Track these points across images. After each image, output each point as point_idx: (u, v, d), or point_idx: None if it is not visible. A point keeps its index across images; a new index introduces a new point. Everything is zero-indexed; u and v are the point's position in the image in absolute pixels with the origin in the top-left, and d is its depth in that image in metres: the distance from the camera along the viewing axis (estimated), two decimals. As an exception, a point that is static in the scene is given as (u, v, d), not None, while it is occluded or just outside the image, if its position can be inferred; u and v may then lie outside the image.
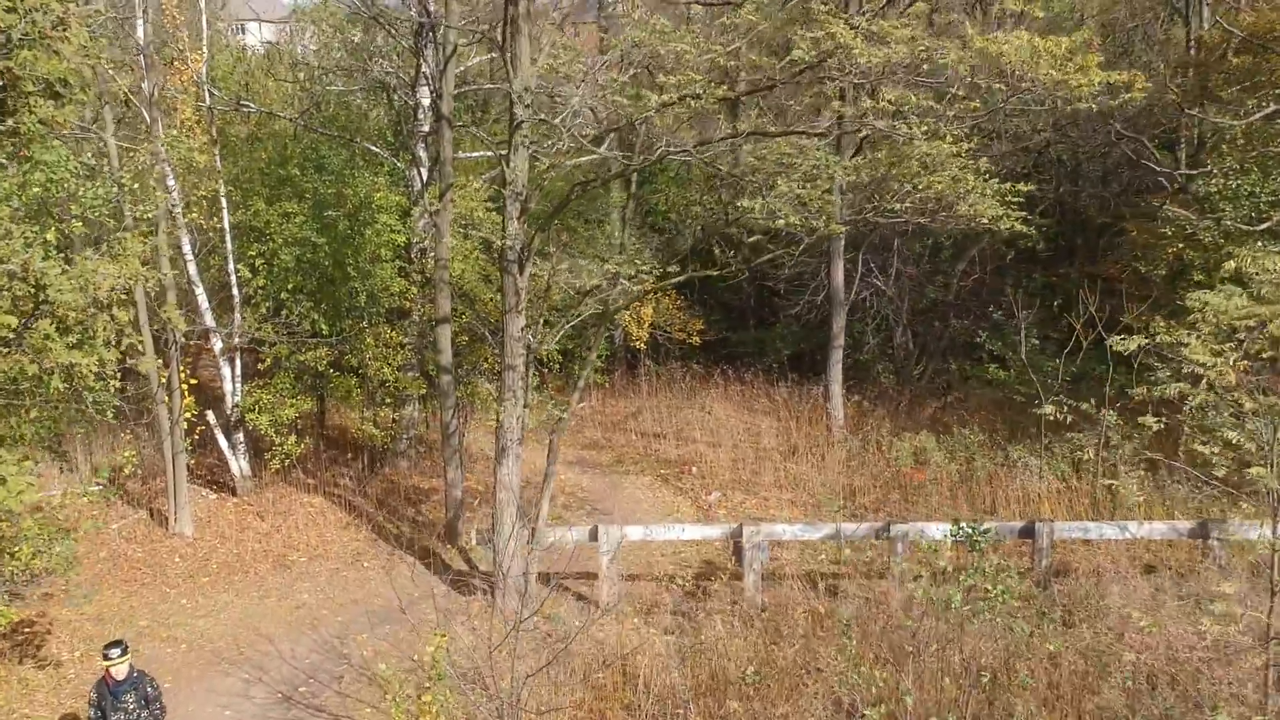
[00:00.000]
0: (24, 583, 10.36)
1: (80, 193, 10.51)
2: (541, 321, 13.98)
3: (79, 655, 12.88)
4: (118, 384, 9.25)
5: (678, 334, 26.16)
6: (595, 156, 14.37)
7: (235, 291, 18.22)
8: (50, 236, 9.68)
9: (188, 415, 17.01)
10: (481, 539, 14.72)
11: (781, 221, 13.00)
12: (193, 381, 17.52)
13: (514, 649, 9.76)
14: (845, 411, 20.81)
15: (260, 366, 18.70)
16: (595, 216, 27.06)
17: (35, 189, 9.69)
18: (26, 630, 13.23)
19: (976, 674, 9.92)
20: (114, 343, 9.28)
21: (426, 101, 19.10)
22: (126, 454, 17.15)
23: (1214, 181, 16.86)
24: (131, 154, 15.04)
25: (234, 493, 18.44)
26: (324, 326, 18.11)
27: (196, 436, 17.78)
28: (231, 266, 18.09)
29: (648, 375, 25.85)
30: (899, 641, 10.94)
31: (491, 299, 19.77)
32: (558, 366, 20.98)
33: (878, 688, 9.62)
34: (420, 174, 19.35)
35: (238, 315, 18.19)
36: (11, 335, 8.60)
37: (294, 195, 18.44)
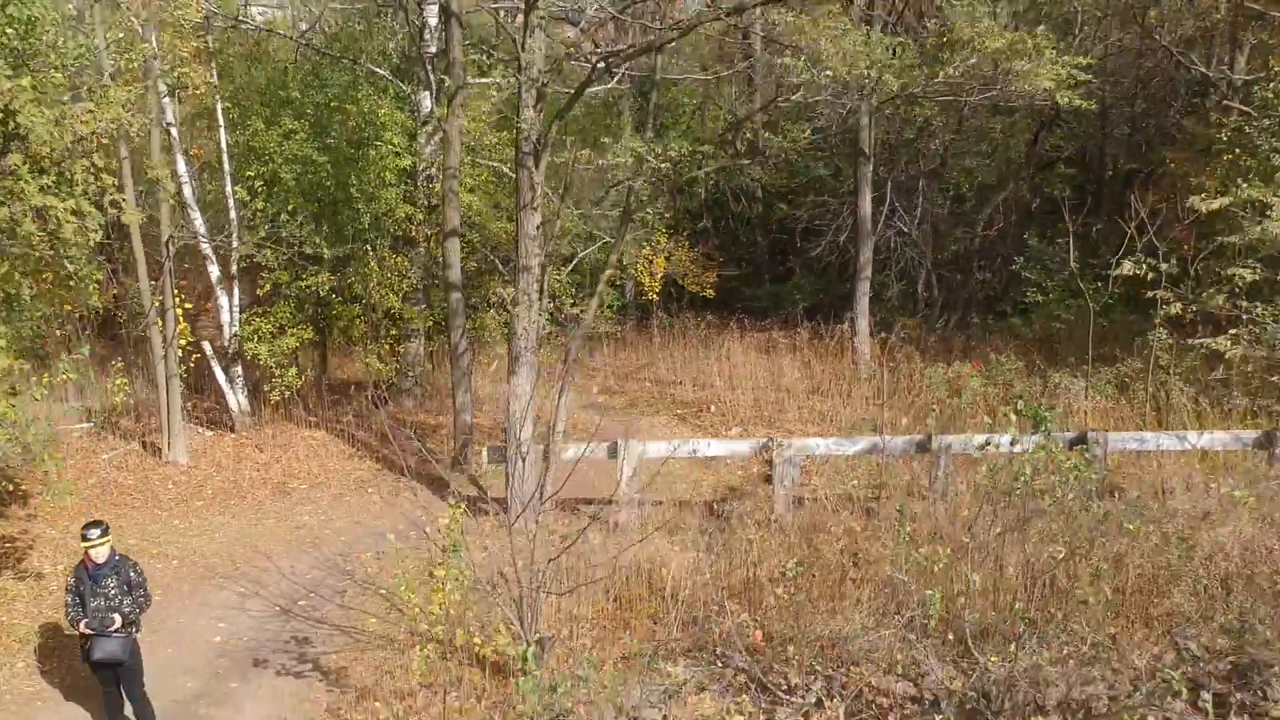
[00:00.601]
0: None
1: (61, 43, 9.60)
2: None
3: (62, 569, 11.96)
4: (98, 237, 8.35)
5: (690, 286, 25.30)
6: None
7: (233, 215, 17.32)
8: (26, 84, 8.78)
9: (182, 343, 16.11)
10: (494, 456, 13.80)
11: (826, 75, 12.06)
12: (187, 306, 16.64)
13: (533, 534, 8.85)
14: (871, 348, 19.91)
15: (259, 292, 17.80)
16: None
17: (9, 32, 8.78)
18: (7, 545, 12.33)
19: (1045, 561, 9.03)
20: (94, 192, 8.38)
21: (434, 21, 18.17)
22: (118, 381, 16.29)
23: (1272, 86, 15.87)
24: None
25: (232, 430, 17.55)
26: (325, 251, 17.19)
27: (192, 365, 16.87)
28: (229, 189, 17.19)
29: (661, 328, 24.95)
30: (954, 534, 10.03)
31: (502, 229, 18.89)
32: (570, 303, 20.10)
33: (938, 568, 8.71)
34: (428, 96, 18.42)
35: (235, 239, 17.29)
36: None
37: (294, 116, 17.53)
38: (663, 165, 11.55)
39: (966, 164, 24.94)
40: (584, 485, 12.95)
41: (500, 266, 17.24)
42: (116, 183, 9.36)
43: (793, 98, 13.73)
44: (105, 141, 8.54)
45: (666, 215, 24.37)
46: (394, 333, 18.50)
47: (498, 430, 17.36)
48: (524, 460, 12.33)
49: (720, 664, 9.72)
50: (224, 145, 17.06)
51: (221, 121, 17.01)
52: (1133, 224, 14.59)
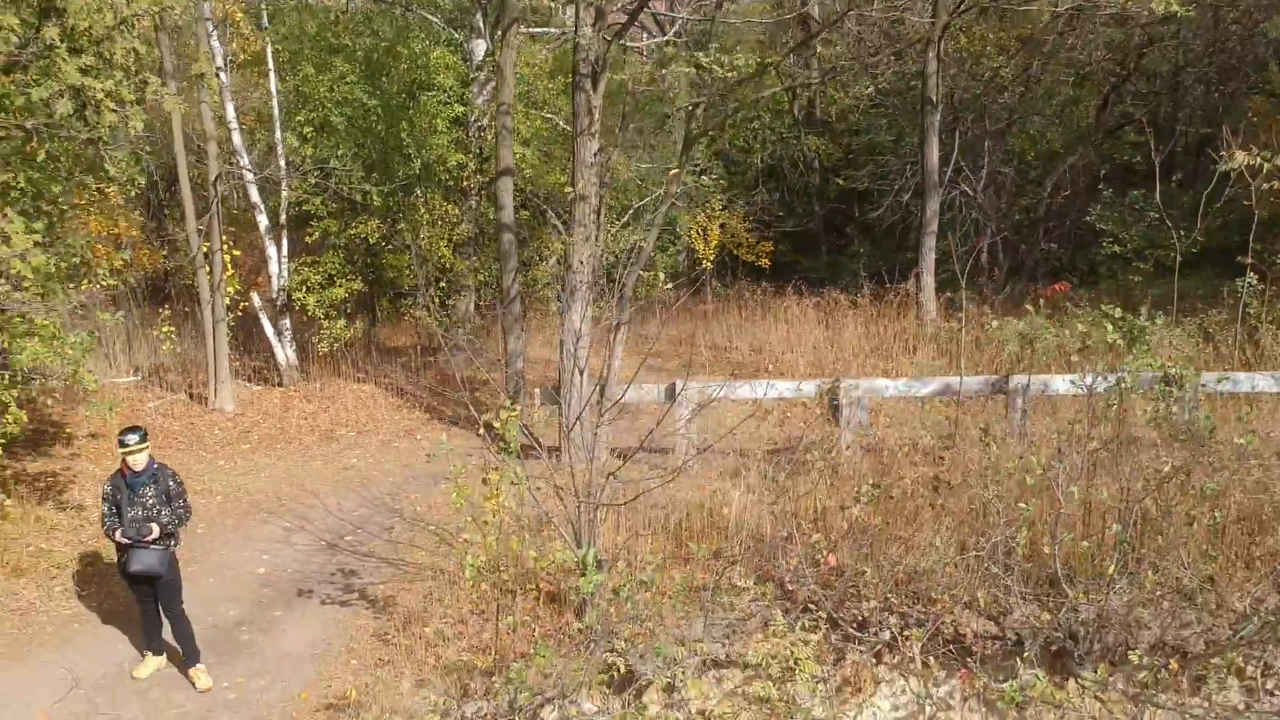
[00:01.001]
0: (31, 375, 9.05)
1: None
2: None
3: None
4: (138, 128, 7.90)
5: (745, 256, 24.68)
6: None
7: (282, 162, 16.96)
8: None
9: (230, 290, 15.77)
10: (546, 396, 13.26)
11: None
12: (236, 253, 16.31)
13: (592, 440, 8.29)
14: (936, 307, 19.13)
15: (308, 240, 17.43)
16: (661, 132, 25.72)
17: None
18: (50, 479, 12.02)
19: (1144, 484, 8.33)
20: (134, 78, 7.93)
21: (487, -39, 17.74)
22: (164, 329, 15.99)
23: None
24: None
25: (279, 384, 17.20)
26: (375, 198, 16.76)
27: (240, 313, 16.53)
28: (278, 134, 16.84)
29: (715, 295, 24.31)
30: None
31: (554, 181, 18.37)
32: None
33: (1031, 481, 8.04)
34: (481, 44, 17.96)
35: (285, 187, 16.94)
36: (15, 47, 7.33)
37: (345, 60, 17.14)
38: (729, 75, 10.94)
39: (1033, 125, 24.06)
40: (640, 434, 12.40)
41: (554, 217, 16.73)
42: (157, 70, 8.92)
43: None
44: (148, 25, 8.03)
45: (722, 183, 23.82)
46: (443, 285, 18.06)
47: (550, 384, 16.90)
48: (579, 395, 11.77)
49: (787, 599, 9.10)
50: (274, 90, 16.72)
51: (271, 65, 16.66)
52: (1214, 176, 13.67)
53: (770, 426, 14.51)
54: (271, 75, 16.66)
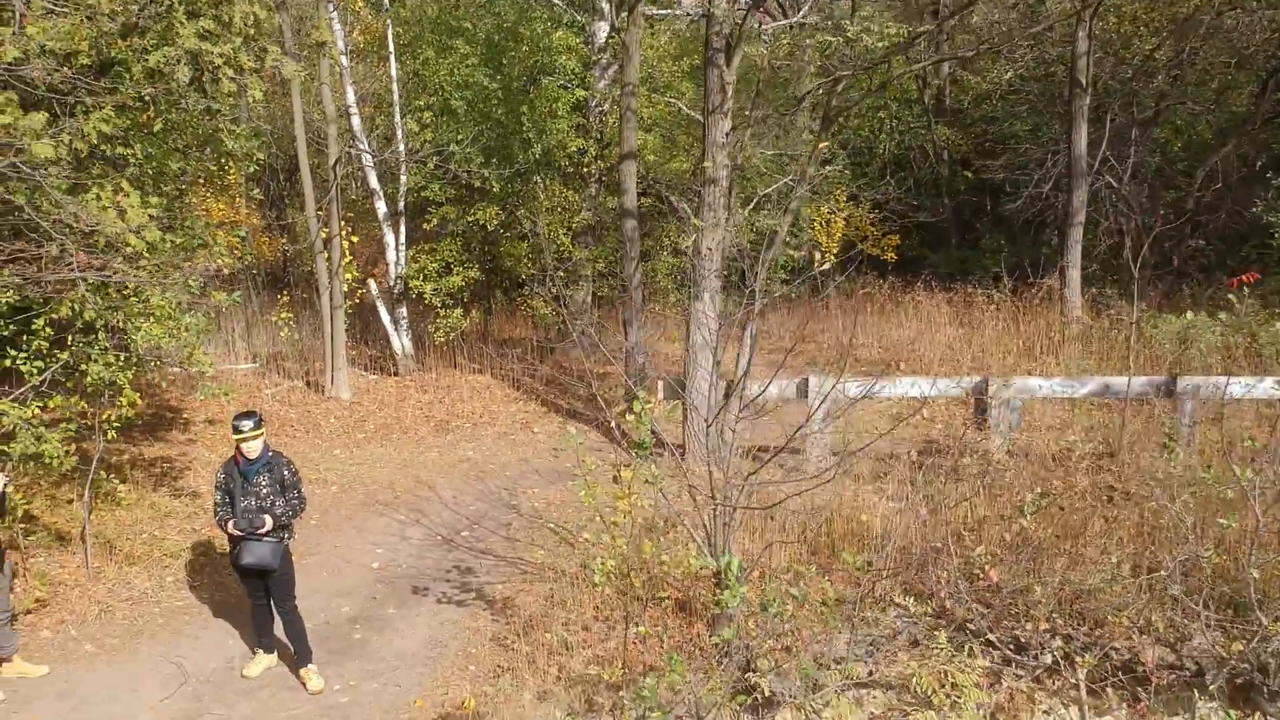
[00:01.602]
0: (147, 357, 8.75)
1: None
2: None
3: (219, 489, 11.40)
4: (257, 96, 7.48)
5: (871, 249, 23.66)
6: None
7: (401, 146, 16.65)
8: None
9: (348, 277, 15.50)
10: (670, 390, 12.59)
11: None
12: (354, 240, 16.04)
13: (730, 439, 7.60)
14: (1082, 304, 17.90)
15: (426, 226, 17.10)
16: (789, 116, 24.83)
17: None
18: (165, 464, 11.83)
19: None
20: (254, 45, 7.52)
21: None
22: (283, 315, 15.82)
23: None
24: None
25: (395, 374, 16.92)
26: (494, 184, 16.33)
27: (358, 301, 16.29)
28: (398, 120, 16.54)
29: (840, 290, 23.34)
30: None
31: (677, 168, 17.73)
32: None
33: (1227, 494, 7.08)
34: (603, 27, 17.39)
35: (403, 173, 16.64)
36: (136, 9, 6.96)
37: (466, 43, 16.74)
38: (879, 45, 10.09)
39: (1182, 114, 22.49)
40: (768, 435, 11.71)
41: (676, 204, 16.08)
42: (278, 37, 8.52)
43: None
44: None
45: (847, 173, 22.87)
46: (561, 274, 17.57)
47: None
48: (708, 390, 11.07)
49: (939, 616, 8.28)
50: (394, 74, 16.41)
51: (392, 48, 16.33)
52: None
53: (908, 428, 13.63)
54: (392, 59, 16.35)
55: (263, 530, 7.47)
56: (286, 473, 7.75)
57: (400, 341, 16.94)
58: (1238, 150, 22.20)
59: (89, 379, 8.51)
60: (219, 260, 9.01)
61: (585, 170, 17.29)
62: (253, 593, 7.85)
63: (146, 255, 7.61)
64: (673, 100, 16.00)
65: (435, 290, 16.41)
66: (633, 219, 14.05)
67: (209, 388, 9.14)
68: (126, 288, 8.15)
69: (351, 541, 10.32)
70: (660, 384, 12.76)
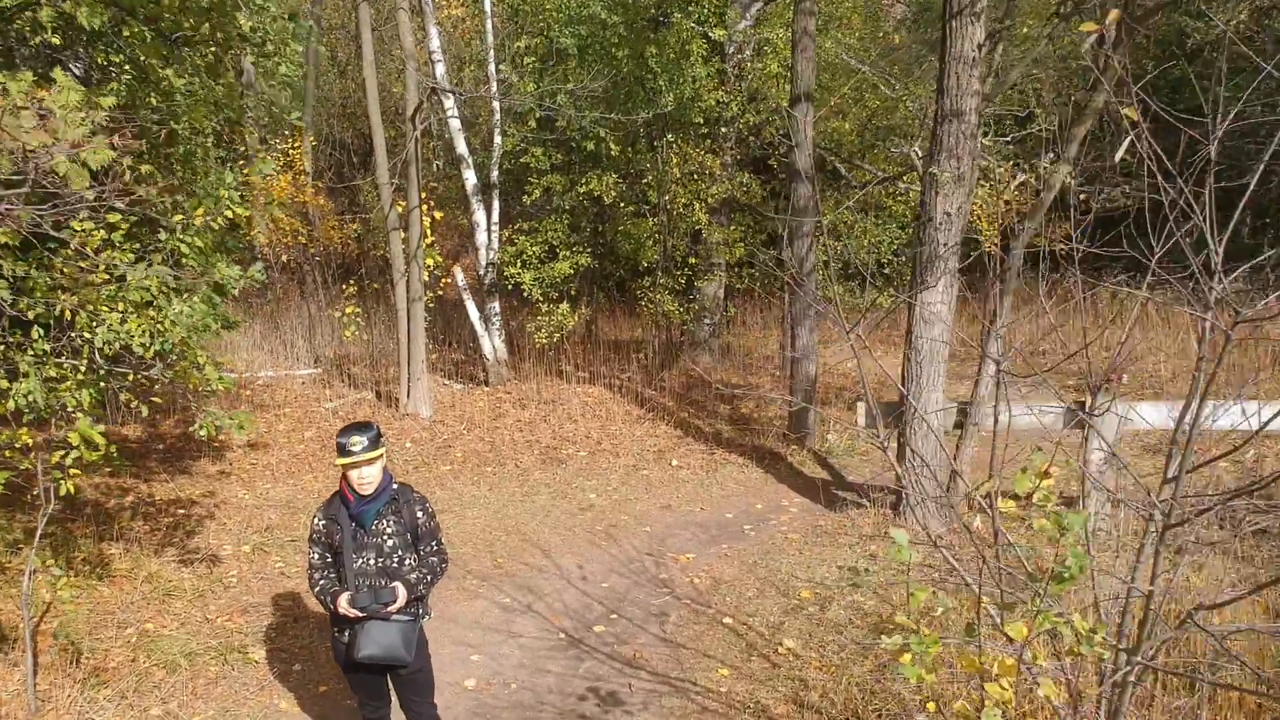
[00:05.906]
0: (147, 364, 5.50)
1: None
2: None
3: (247, 549, 8.11)
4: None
5: (1044, 242, 19.78)
6: None
7: (495, 104, 13.35)
8: None
9: (429, 263, 12.23)
10: (872, 419, 9.07)
11: None
12: (437, 216, 12.79)
13: (991, 529, 4.06)
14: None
15: (526, 200, 13.75)
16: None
17: None
18: (178, 511, 8.62)
19: None
20: None
21: None
22: (349, 310, 12.64)
23: None
24: None
25: (485, 382, 13.66)
26: (613, 146, 12.93)
27: (440, 292, 13.03)
28: (492, 66, 13.24)
29: (999, 281, 19.46)
30: None
31: (838, 129, 14.18)
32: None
33: None
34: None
35: (498, 133, 13.32)
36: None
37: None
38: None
39: None
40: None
41: (844, 173, 12.53)
42: None
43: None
44: None
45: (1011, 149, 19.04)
46: (693, 261, 14.12)
47: (844, 407, 12.76)
48: (927, 448, 7.58)
49: None
50: (487, 9, 13.10)
51: (485, -25, 13.07)
52: None
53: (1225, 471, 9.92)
54: (485, -12, 13.07)
55: (393, 608, 4.35)
56: (420, 513, 4.56)
57: (492, 343, 13.65)
58: None
59: (11, 400, 5.26)
60: (253, 232, 5.72)
61: (723, 129, 13.78)
62: (367, 702, 4.73)
63: (88, 197, 4.31)
64: (840, 37, 12.45)
65: (536, 280, 13.10)
66: (805, 185, 10.54)
67: (211, 415, 5.80)
68: (69, 254, 4.90)
69: (436, 638, 6.94)
70: (860, 407, 9.23)
